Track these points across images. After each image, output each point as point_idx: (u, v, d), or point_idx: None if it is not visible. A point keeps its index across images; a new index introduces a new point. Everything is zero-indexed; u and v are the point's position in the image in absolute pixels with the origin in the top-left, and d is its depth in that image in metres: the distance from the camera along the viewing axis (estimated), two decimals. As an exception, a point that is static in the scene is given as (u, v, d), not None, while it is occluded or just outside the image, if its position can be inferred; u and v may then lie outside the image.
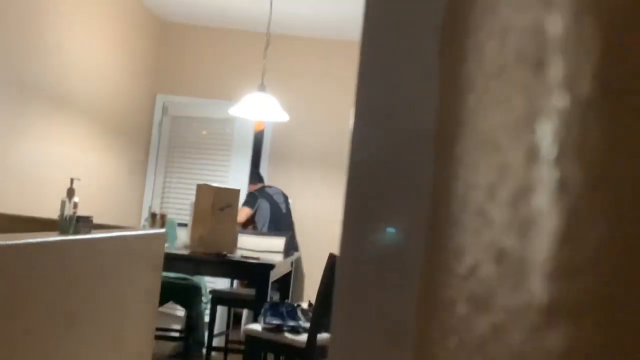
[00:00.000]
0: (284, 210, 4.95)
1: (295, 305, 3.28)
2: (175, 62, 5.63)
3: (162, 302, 3.98)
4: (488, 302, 0.22)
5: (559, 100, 0.19)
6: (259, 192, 4.97)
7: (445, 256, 0.27)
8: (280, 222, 4.91)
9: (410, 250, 0.32)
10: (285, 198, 5.04)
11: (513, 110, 0.21)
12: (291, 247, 4.73)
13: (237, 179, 5.38)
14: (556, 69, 0.20)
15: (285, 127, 5.50)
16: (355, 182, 0.35)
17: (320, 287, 2.96)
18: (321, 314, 2.91)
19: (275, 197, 4.98)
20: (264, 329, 3.09)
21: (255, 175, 5.26)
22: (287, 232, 4.72)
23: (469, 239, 0.24)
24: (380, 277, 0.34)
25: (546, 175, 0.20)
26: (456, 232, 0.26)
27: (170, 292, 4.07)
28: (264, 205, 4.91)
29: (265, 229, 4.84)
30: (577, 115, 0.19)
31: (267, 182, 5.39)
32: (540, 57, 0.20)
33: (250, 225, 5.04)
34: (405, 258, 0.32)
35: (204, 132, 5.55)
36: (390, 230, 0.35)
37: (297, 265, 5.29)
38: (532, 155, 0.20)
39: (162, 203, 5.56)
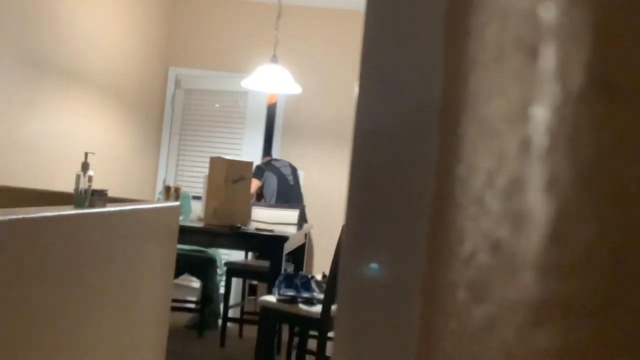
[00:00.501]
0: (291, 183, 4.93)
1: (310, 276, 3.29)
2: (188, 34, 5.59)
3: (178, 274, 4.07)
4: (485, 291, 0.22)
5: (553, 88, 0.19)
6: (265, 165, 4.96)
7: (447, 241, 0.27)
8: (288, 194, 4.90)
9: (413, 238, 0.31)
10: (294, 170, 5.02)
11: (509, 96, 0.21)
12: (302, 217, 4.72)
13: (250, 152, 5.38)
14: (549, 57, 0.19)
15: (298, 99, 5.47)
16: (360, 156, 0.35)
17: (334, 259, 2.97)
18: (335, 285, 2.92)
19: (282, 169, 4.95)
20: (278, 300, 3.10)
21: (265, 149, 5.27)
22: (297, 204, 4.71)
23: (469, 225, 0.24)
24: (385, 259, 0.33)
25: (538, 165, 0.20)
26: (458, 218, 0.26)
27: (185, 265, 4.10)
28: (271, 178, 4.90)
29: (272, 202, 4.84)
30: (570, 104, 0.18)
31: (280, 155, 5.40)
32: (535, 43, 0.20)
33: (258, 198, 5.07)
34: (409, 247, 0.31)
35: (217, 105, 5.54)
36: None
37: (308, 237, 5.29)
38: (526, 143, 0.20)
39: (176, 176, 5.56)
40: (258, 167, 4.93)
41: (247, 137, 5.45)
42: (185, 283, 5.19)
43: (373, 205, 0.34)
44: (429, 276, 0.28)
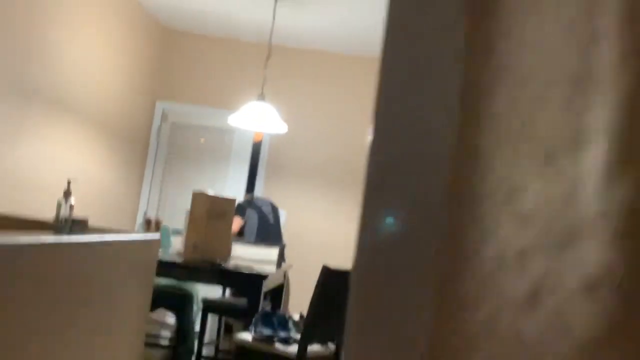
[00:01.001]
0: (271, 221, 4.92)
1: (287, 316, 3.27)
2: (176, 69, 5.62)
3: (153, 308, 4.00)
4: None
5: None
6: (247, 203, 4.96)
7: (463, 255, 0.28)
8: (267, 233, 4.89)
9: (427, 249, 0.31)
10: (274, 209, 5.02)
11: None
12: (281, 258, 4.67)
13: (234, 187, 5.37)
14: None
15: (284, 138, 5.49)
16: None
17: (313, 299, 2.95)
18: (313, 325, 2.90)
19: (263, 208, 4.95)
20: (254, 339, 3.06)
21: (248, 186, 5.28)
22: (277, 242, 4.72)
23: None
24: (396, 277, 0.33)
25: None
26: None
27: (161, 299, 4.05)
28: (252, 216, 4.89)
29: (252, 240, 4.83)
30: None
31: (263, 193, 5.39)
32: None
33: (239, 235, 5.02)
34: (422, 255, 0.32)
35: (202, 140, 5.54)
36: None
37: (287, 277, 5.27)
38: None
39: (158, 209, 5.53)
40: (240, 205, 4.92)
41: (231, 174, 5.44)
42: (160, 318, 5.12)
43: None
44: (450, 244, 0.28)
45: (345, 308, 3.28)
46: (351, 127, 5.45)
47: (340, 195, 5.44)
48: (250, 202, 4.94)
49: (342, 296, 3.10)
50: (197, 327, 4.51)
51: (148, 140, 5.59)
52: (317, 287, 2.97)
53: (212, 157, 5.53)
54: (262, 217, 4.88)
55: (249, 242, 4.54)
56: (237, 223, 4.77)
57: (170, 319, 5.04)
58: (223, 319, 4.58)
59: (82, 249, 1.87)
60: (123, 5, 4.79)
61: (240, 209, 4.84)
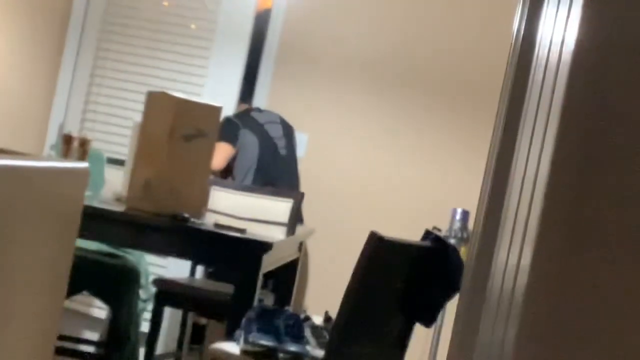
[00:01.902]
0: (282, 152, 4.98)
1: (302, 317, 3.38)
2: None
3: (73, 291, 3.90)
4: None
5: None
6: (241, 118, 4.98)
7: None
8: (275, 170, 4.95)
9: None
10: (288, 131, 5.07)
11: None
12: (297, 216, 4.76)
13: (219, 90, 5.32)
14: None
15: (309, 7, 5.44)
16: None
17: (350, 289, 2.99)
18: (347, 334, 2.99)
19: (269, 128, 4.99)
20: (245, 352, 3.13)
21: (243, 90, 5.35)
22: (290, 188, 4.78)
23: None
24: None
25: None
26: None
27: (86, 276, 4.03)
28: (249, 141, 4.92)
29: (248, 181, 4.88)
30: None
31: (267, 104, 5.42)
32: None
33: (225, 174, 5.13)
34: None
35: (166, 4, 5.48)
36: None
37: (309, 250, 5.32)
38: None
39: (83, 121, 5.58)
40: (229, 120, 4.93)
41: (215, 66, 5.41)
42: (82, 309, 5.12)
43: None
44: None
45: (411, 308, 3.30)
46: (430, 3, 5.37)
47: (403, 116, 5.35)
48: (247, 118, 4.99)
49: (403, 287, 3.19)
50: (143, 327, 4.49)
51: (70, 2, 5.51)
52: (357, 269, 3.00)
53: (183, 36, 5.44)
54: (266, 143, 4.93)
55: (241, 184, 4.62)
56: (223, 153, 4.81)
57: (100, 311, 5.05)
58: (190, 316, 4.63)
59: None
60: None
61: (230, 130, 4.86)
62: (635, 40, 0.85)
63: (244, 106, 5.17)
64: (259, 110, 5.10)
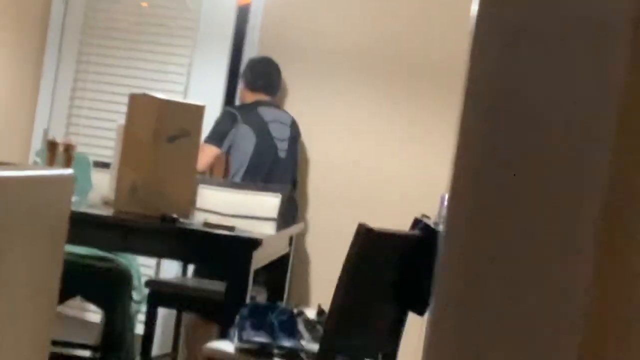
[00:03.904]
0: (282, 155, 4.92)
1: (295, 311, 3.42)
2: None
3: (65, 296, 3.94)
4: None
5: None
6: (244, 110, 4.92)
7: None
8: (266, 173, 4.88)
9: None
10: (294, 131, 5.02)
11: None
12: (290, 212, 4.77)
13: (205, 89, 5.32)
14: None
15: (285, 2, 5.44)
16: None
17: (341, 282, 3.02)
18: (340, 327, 3.02)
19: (273, 127, 4.92)
20: (239, 349, 3.16)
21: (230, 87, 5.33)
22: (283, 185, 4.76)
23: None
24: None
25: None
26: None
27: (78, 281, 4.06)
28: (244, 137, 4.84)
29: (237, 179, 4.86)
30: None
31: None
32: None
33: (218, 172, 5.13)
34: None
35: (145, 4, 5.48)
36: None
37: (299, 245, 5.27)
38: None
39: (68, 126, 5.57)
40: (225, 114, 4.95)
41: (199, 65, 5.41)
42: (76, 313, 5.15)
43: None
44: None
45: (404, 297, 3.30)
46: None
47: (389, 105, 5.35)
48: (251, 112, 4.90)
49: (394, 277, 3.20)
50: (138, 329, 4.52)
51: (49, 6, 5.49)
52: (348, 262, 3.03)
53: (165, 36, 5.48)
54: (264, 143, 4.87)
55: (230, 183, 4.65)
56: (205, 156, 4.74)
57: (94, 315, 5.07)
58: (183, 316, 4.62)
59: None
60: None
61: (219, 129, 4.85)
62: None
63: (255, 96, 5.04)
64: (270, 105, 5.00)
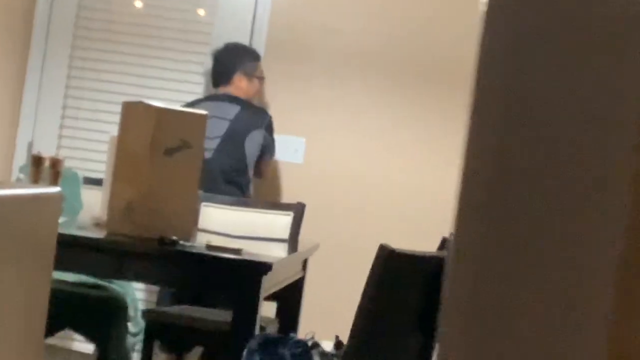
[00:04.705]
0: (207, 155, 4.73)
1: (310, 342, 3.36)
2: None
3: (53, 328, 3.95)
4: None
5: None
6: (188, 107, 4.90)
7: None
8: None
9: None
10: (234, 119, 4.98)
11: None
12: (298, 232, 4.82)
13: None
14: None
15: (292, 1, 5.69)
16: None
17: (361, 309, 3.02)
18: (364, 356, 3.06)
19: (210, 123, 4.85)
20: None
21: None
22: (294, 204, 4.75)
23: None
24: None
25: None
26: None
27: (68, 311, 4.10)
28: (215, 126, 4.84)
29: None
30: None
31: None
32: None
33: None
34: None
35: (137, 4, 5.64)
36: None
37: (310, 266, 5.38)
38: None
39: (59, 140, 5.67)
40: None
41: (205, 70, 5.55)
42: (66, 346, 5.21)
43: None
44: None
45: (431, 326, 3.33)
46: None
47: (410, 112, 5.41)
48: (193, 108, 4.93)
49: (420, 303, 3.19)
50: None
51: (32, 8, 5.56)
52: (368, 287, 3.02)
53: (164, 39, 5.57)
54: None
55: (235, 200, 4.67)
56: None
57: (85, 347, 5.09)
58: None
59: None
60: None
61: None
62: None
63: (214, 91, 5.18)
64: (216, 98, 5.04)
